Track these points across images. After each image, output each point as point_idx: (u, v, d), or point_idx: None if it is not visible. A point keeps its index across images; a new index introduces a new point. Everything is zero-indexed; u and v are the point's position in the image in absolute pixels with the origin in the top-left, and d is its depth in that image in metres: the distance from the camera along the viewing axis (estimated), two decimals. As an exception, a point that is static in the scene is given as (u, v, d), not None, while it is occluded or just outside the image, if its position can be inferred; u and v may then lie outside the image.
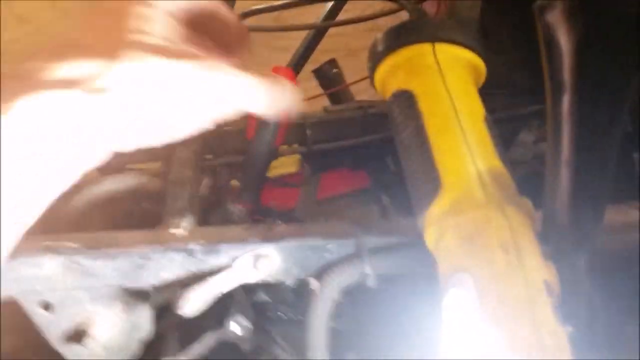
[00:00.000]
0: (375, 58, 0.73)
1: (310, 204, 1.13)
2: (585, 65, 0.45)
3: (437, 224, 0.58)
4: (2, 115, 0.43)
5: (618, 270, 0.70)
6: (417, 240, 0.65)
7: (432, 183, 0.60)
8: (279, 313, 0.88)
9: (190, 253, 0.73)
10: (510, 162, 0.63)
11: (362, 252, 0.70)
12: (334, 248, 0.71)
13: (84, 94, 0.45)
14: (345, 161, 1.20)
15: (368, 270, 0.70)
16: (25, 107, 0.44)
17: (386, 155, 1.16)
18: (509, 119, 1.13)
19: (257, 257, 0.72)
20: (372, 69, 0.74)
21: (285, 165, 1.32)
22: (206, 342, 0.83)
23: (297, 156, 1.20)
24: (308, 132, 1.10)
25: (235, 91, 0.51)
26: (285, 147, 1.13)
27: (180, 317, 0.86)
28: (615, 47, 0.44)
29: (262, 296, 0.88)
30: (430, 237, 0.59)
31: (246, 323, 0.83)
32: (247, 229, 0.74)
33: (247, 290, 0.89)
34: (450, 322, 0.55)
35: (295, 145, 1.13)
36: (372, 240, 0.70)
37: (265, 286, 0.89)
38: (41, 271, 0.72)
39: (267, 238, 0.72)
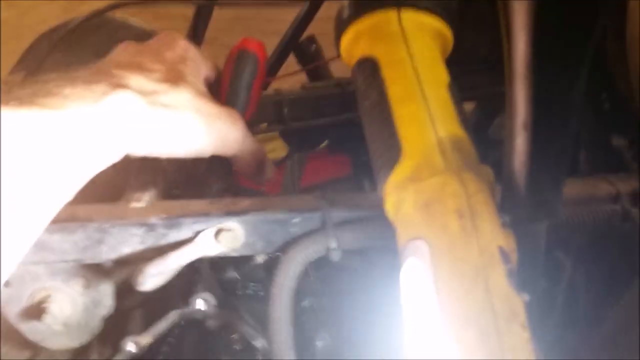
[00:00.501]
0: (341, 25, 0.71)
1: (293, 192, 1.11)
2: (541, 20, 0.43)
3: (397, 191, 0.56)
4: (95, 103, 0.57)
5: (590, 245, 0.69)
6: (383, 214, 0.63)
7: (393, 151, 0.58)
8: (248, 291, 0.86)
9: (151, 227, 0.71)
10: (490, 141, 0.62)
11: (327, 226, 0.68)
12: (299, 222, 0.69)
13: (149, 103, 0.62)
14: (323, 140, 1.18)
15: (333, 245, 0.68)
16: (114, 100, 0.58)
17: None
18: (489, 96, 1.11)
19: (220, 231, 0.70)
20: (338, 36, 0.72)
21: (277, 150, 1.30)
22: (171, 319, 0.82)
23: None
24: (285, 109, 1.08)
25: (238, 146, 0.75)
26: (264, 125, 1.11)
27: (144, 295, 0.85)
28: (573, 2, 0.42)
29: (232, 273, 0.87)
30: (390, 206, 0.57)
31: (212, 300, 0.82)
32: (211, 202, 0.72)
33: (216, 267, 0.87)
34: (407, 292, 0.53)
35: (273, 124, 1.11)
36: (337, 214, 0.69)
37: (234, 263, 0.88)
38: (-3, 245, 0.70)
39: (231, 212, 0.70)
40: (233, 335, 0.85)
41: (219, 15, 1.48)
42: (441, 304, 0.48)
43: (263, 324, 0.85)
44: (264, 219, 0.70)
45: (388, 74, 0.64)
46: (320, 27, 1.32)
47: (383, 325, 0.79)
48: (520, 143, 0.48)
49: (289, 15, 1.42)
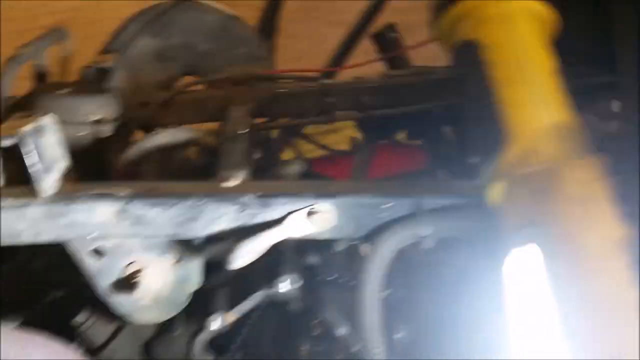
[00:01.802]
0: (440, 8, 0.69)
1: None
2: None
3: (505, 177, 0.54)
4: None
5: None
6: (478, 202, 0.61)
7: (500, 135, 0.56)
8: (329, 277, 0.86)
9: (243, 205, 0.71)
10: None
11: (420, 213, 0.67)
12: (390, 207, 0.68)
13: None
14: (400, 130, 1.16)
15: (426, 232, 0.67)
16: None
17: (445, 125, 1.11)
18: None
19: (311, 212, 0.70)
20: (436, 19, 0.70)
21: (344, 142, 1.28)
22: (255, 299, 0.82)
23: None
24: (365, 97, 1.06)
25: None
26: (341, 112, 1.10)
27: (229, 274, 0.86)
28: None
29: (314, 259, 0.86)
30: (496, 191, 0.56)
31: (296, 282, 0.82)
32: (303, 183, 0.72)
33: (299, 252, 0.87)
34: (516, 280, 0.51)
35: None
36: (431, 201, 0.67)
37: (316, 249, 0.87)
38: (95, 217, 0.72)
39: (323, 193, 0.70)
40: (314, 321, 0.85)
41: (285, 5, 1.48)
42: (557, 293, 0.46)
43: (345, 312, 0.84)
44: (356, 202, 0.70)
45: (493, 57, 0.62)
46: (390, 17, 1.31)
47: (462, 320, 0.77)
48: None
49: (355, 5, 1.41)
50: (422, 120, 1.09)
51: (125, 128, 0.94)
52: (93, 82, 0.99)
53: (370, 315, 0.67)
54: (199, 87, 1.12)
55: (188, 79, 1.14)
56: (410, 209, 0.68)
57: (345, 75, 1.19)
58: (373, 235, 0.70)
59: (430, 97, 1.06)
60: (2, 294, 0.99)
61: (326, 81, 1.17)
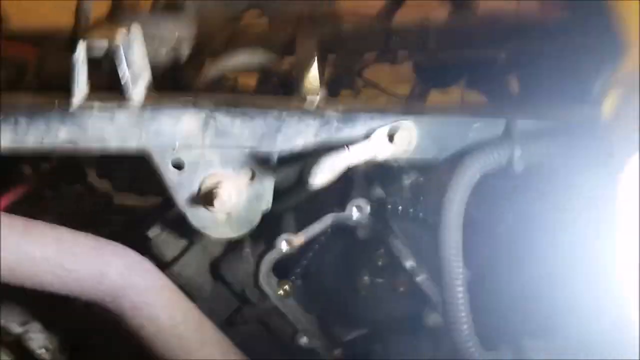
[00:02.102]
0: None
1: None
2: None
3: (624, 85, 0.53)
4: None
5: None
6: (574, 126, 0.60)
7: (616, 43, 0.55)
8: (397, 208, 0.85)
9: (326, 120, 0.71)
10: None
11: (512, 133, 0.66)
12: (479, 127, 0.68)
13: None
14: (461, 77, 1.15)
15: (518, 153, 0.66)
16: None
17: (508, 73, 1.09)
18: None
19: (394, 130, 0.69)
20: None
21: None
22: (325, 222, 0.83)
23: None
24: (431, 38, 1.05)
25: None
26: (403, 53, 1.08)
27: (300, 198, 0.86)
28: None
29: (383, 189, 0.86)
30: (611, 103, 0.55)
31: (366, 208, 0.82)
32: (387, 101, 0.71)
33: (369, 181, 0.87)
34: (630, 196, 0.51)
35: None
36: (524, 123, 0.66)
37: (386, 180, 0.87)
38: (180, 126, 0.73)
39: (408, 110, 0.69)
40: (379, 251, 0.85)
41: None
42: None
43: (412, 244, 0.84)
44: (442, 121, 0.69)
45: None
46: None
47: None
48: None
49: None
50: (486, 68, 1.08)
51: (198, 55, 0.95)
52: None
53: (452, 235, 0.67)
54: (264, 23, 1.12)
55: (253, 14, 1.13)
56: (501, 130, 0.67)
57: (409, 15, 1.17)
58: (457, 157, 0.69)
59: (497, 43, 1.05)
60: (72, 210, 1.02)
61: (390, 21, 1.15)
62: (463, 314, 0.64)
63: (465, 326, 0.64)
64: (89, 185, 1.12)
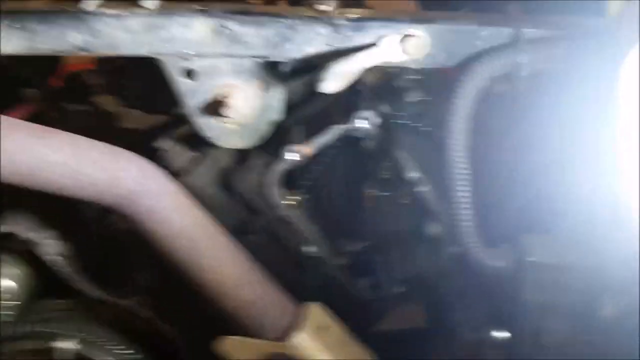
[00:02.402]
0: None
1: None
2: None
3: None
4: None
5: None
6: (579, 34, 0.62)
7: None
8: (403, 122, 0.87)
9: (337, 28, 0.72)
10: None
11: (518, 40, 0.67)
12: (487, 35, 0.69)
13: None
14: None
15: (524, 60, 0.67)
16: None
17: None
18: None
19: (405, 37, 0.71)
20: None
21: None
22: (332, 133, 0.85)
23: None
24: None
25: None
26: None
27: (306, 112, 0.88)
28: None
29: (390, 104, 0.88)
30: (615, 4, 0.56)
31: (374, 119, 0.84)
32: (397, 10, 0.72)
33: (376, 95, 0.89)
34: (630, 86, 0.53)
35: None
36: (529, 31, 0.67)
37: (392, 95, 0.88)
38: (192, 33, 0.74)
39: (418, 19, 0.70)
40: (385, 163, 0.88)
41: None
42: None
43: (416, 157, 0.87)
44: (452, 29, 0.70)
45: None
46: None
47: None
48: None
49: None
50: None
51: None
52: None
53: (458, 137, 0.69)
54: None
55: None
56: (508, 38, 0.68)
57: None
58: (466, 64, 0.71)
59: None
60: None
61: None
62: (467, 213, 0.67)
63: (469, 224, 0.67)
64: (95, 104, 1.13)
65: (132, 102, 0.98)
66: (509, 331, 0.69)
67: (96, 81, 1.06)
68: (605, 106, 0.56)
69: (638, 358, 0.63)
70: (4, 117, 0.73)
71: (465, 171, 0.69)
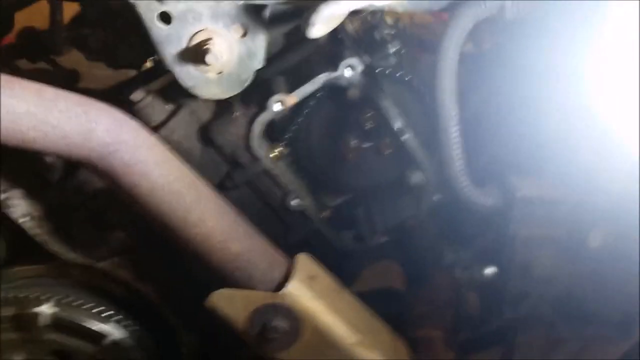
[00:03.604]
0: None
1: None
2: None
3: None
4: None
5: None
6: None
7: None
8: (386, 71, 0.86)
9: (322, -33, 0.69)
10: None
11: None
12: (473, -25, 0.68)
13: None
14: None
15: (508, 3, 0.67)
16: None
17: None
18: None
19: (392, -22, 0.69)
20: None
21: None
22: (317, 82, 0.83)
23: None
24: None
25: None
26: None
27: (288, 62, 0.86)
28: None
29: (372, 55, 0.86)
30: None
31: (359, 66, 0.82)
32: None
33: (359, 45, 0.87)
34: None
35: None
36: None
37: (370, 49, 0.87)
38: (168, -28, 0.69)
39: (405, -43, 0.69)
40: (368, 114, 0.86)
41: None
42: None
43: (400, 106, 0.86)
44: (439, -31, 0.69)
45: None
46: None
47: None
48: None
49: None
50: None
51: None
52: None
53: (447, 79, 0.69)
54: None
55: None
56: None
57: None
58: (452, 7, 0.70)
59: None
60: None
61: None
62: (456, 152, 0.67)
63: (458, 163, 0.67)
64: (54, 61, 1.07)
65: (96, 55, 0.92)
66: (498, 267, 0.71)
67: (55, 36, 1.00)
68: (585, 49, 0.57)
69: (625, 286, 0.66)
70: None
71: (454, 111, 0.69)
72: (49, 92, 0.70)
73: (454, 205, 0.78)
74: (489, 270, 0.72)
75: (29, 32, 1.04)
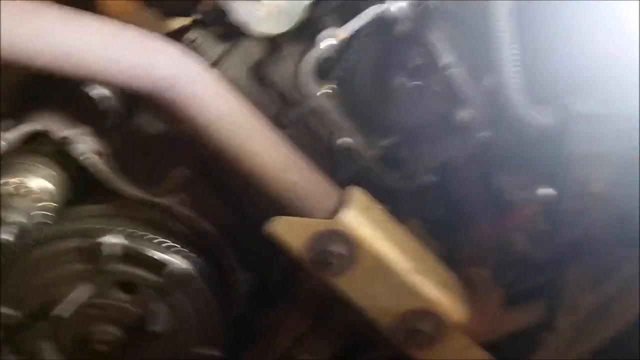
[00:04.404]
0: None
1: None
2: None
3: None
4: None
5: None
6: None
7: None
8: (433, 5, 0.86)
9: None
10: None
11: None
12: None
13: None
14: None
15: None
16: None
17: None
18: None
19: None
20: None
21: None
22: (366, 16, 0.84)
23: None
24: None
25: None
26: None
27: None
28: None
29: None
30: None
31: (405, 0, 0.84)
32: None
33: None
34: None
35: None
36: None
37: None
38: None
39: None
40: (415, 51, 0.87)
41: None
42: None
43: (448, 41, 0.87)
44: None
45: None
46: None
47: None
48: None
49: None
50: None
51: None
52: None
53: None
54: None
55: None
56: None
57: None
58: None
59: None
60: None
61: None
62: (513, 69, 0.68)
63: (515, 80, 0.68)
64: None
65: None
66: (555, 187, 0.72)
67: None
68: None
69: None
70: (28, 3, 0.70)
71: (508, 32, 0.69)
72: (113, 26, 0.73)
73: (506, 133, 0.79)
74: (545, 191, 0.73)
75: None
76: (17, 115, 0.85)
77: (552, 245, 0.80)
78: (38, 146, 0.83)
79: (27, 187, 0.81)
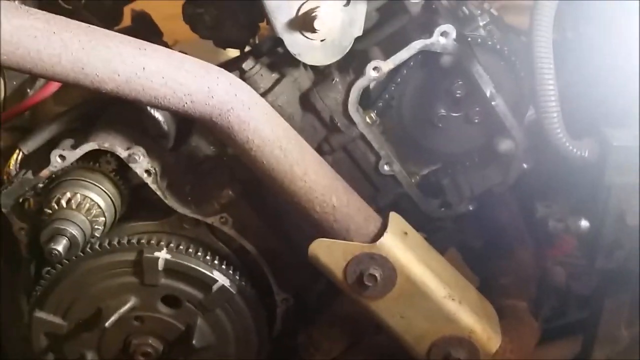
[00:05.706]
0: None
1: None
2: None
3: None
4: None
5: None
6: None
7: None
8: (478, 36, 0.89)
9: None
10: None
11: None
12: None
13: None
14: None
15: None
16: None
17: None
18: None
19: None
20: None
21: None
22: (412, 48, 0.87)
23: None
24: None
25: None
26: None
27: (383, 33, 0.91)
28: None
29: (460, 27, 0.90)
30: None
31: (452, 33, 0.87)
32: None
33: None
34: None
35: None
36: None
37: (461, 21, 0.91)
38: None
39: None
40: (458, 82, 0.90)
41: None
42: None
43: (490, 74, 0.89)
44: None
45: None
46: None
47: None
48: None
49: None
50: None
51: None
52: None
53: (544, 33, 0.71)
54: None
55: None
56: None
57: None
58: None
59: None
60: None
61: None
62: (553, 104, 0.70)
63: (555, 114, 0.70)
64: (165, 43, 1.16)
65: (208, 33, 1.00)
66: (592, 218, 0.73)
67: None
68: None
69: None
70: (101, 30, 0.77)
71: (550, 65, 0.72)
72: (177, 55, 0.79)
73: (546, 163, 0.80)
74: (583, 223, 0.74)
75: (142, 16, 1.14)
76: (76, 134, 0.91)
77: (589, 278, 0.80)
78: (94, 164, 0.88)
79: (79, 201, 0.85)
